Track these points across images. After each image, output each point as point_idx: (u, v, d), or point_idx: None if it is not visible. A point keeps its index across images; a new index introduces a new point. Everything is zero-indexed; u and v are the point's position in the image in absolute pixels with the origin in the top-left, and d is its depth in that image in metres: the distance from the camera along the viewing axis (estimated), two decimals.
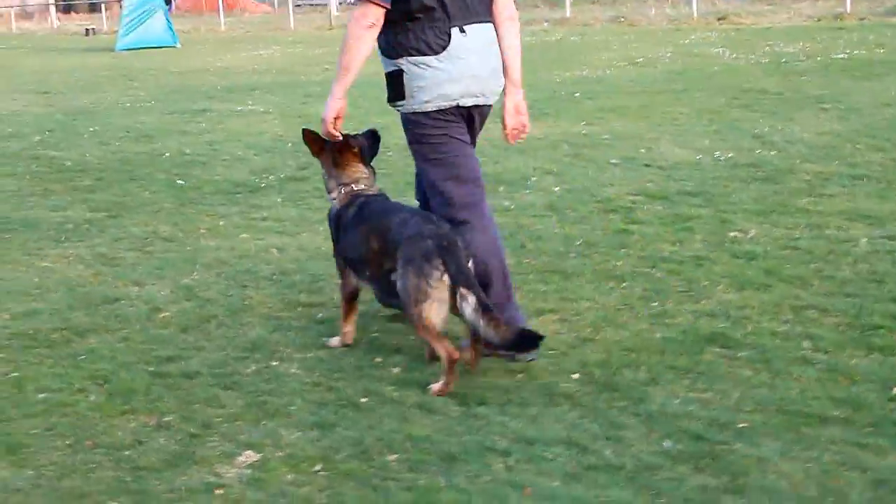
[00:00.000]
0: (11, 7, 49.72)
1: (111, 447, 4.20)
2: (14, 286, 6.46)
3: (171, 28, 27.80)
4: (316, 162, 5.22)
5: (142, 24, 27.40)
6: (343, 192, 4.93)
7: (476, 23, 4.57)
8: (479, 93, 4.62)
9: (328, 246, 5.38)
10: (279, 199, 8.30)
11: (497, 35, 4.69)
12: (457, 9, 4.52)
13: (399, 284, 4.45)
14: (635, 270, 6.01)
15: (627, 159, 9.00)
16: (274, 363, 4.98)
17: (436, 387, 4.45)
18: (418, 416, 4.34)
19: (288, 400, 4.54)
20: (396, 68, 4.59)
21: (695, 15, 23.86)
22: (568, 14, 26.19)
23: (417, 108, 4.61)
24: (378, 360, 4.95)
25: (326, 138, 4.84)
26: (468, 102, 4.63)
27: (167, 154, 10.70)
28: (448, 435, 4.12)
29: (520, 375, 4.67)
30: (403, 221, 4.56)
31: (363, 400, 4.52)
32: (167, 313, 5.79)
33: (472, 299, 4.29)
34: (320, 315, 5.57)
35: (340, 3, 35.10)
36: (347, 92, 4.66)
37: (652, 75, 14.52)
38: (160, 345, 5.31)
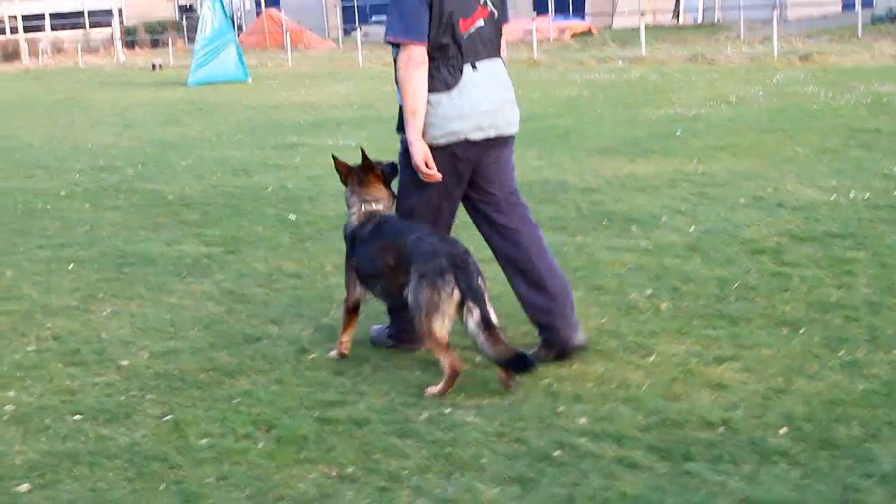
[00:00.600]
0: (78, 42, 50.20)
1: (296, 500, 3.88)
2: (147, 323, 6.27)
3: (242, 63, 27.77)
4: None
5: (214, 58, 27.33)
6: (363, 209, 5.19)
7: (486, 59, 4.85)
8: (488, 126, 4.85)
9: None
10: None
11: None
12: (470, 47, 4.78)
13: (411, 297, 4.69)
14: (808, 316, 5.65)
15: (756, 199, 8.66)
16: (446, 410, 4.69)
17: (433, 389, 4.79)
18: (622, 472, 4.05)
19: (475, 451, 4.23)
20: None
21: (775, 54, 23.46)
22: (643, 53, 25.85)
23: (428, 141, 4.83)
24: (560, 409, 4.67)
25: (424, 180, 4.96)
26: (478, 136, 4.85)
27: (269, 188, 10.48)
28: (664, 494, 3.82)
29: (721, 429, 4.33)
30: (419, 240, 4.75)
31: (557, 453, 4.23)
32: (315, 354, 5.49)
33: (476, 314, 4.58)
34: (478, 359, 5.20)
35: None
36: (421, 132, 4.85)
37: (750, 114, 14.17)
38: (318, 388, 5.04)
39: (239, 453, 4.36)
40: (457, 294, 4.59)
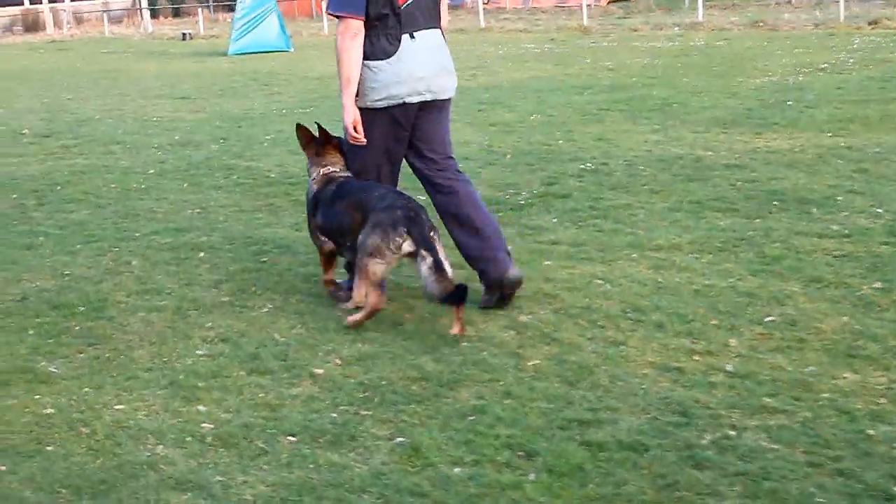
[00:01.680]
0: (100, 11, 49.34)
1: None
2: (319, 322, 5.73)
3: (284, 32, 27.07)
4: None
5: (256, 27, 26.57)
6: (321, 173, 5.76)
7: (425, 29, 5.31)
8: (423, 90, 5.35)
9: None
10: (554, 219, 7.36)
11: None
12: (409, 18, 5.23)
13: (360, 238, 5.21)
14: None
15: None
16: (729, 431, 4.04)
17: (351, 318, 5.42)
18: None
19: (799, 487, 3.60)
20: None
21: (841, 18, 22.61)
22: (700, 18, 25.00)
23: (369, 104, 5.38)
24: (870, 431, 4.00)
25: (350, 142, 5.57)
26: (414, 100, 5.38)
27: None
28: None
29: None
30: (381, 196, 5.30)
31: None
32: (536, 361, 4.84)
33: (429, 259, 5.11)
34: (729, 366, 4.64)
35: (456, 9, 34.12)
36: (354, 98, 5.35)
37: (854, 83, 13.41)
38: (558, 403, 4.47)
39: (511, 488, 3.77)
40: (407, 245, 5.13)
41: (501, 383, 4.69)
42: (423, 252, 5.11)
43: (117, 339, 5.54)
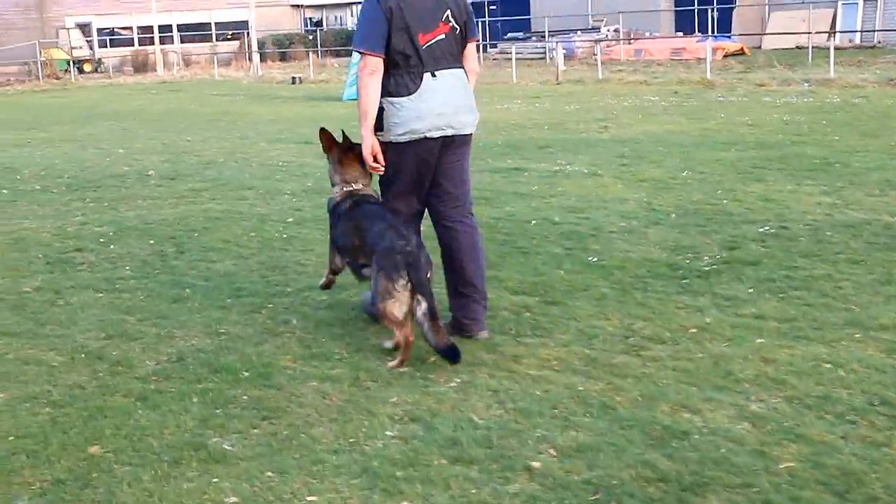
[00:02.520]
0: (208, 54, 49.73)
1: None
2: (518, 403, 5.17)
3: None
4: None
5: None
6: (343, 189, 6.05)
7: (446, 68, 5.59)
8: (444, 126, 5.62)
9: None
10: (749, 290, 6.68)
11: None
12: (430, 57, 5.53)
13: (372, 284, 5.54)
14: None
15: None
16: None
17: (393, 363, 5.56)
18: None
19: None
20: (379, 106, 5.57)
21: None
22: (832, 75, 24.05)
23: (393, 139, 5.65)
24: None
25: (370, 170, 5.94)
26: (435, 135, 5.64)
27: (532, 222, 9.13)
28: None
29: None
30: (381, 233, 5.57)
31: None
32: (788, 463, 4.18)
33: (424, 306, 5.37)
34: None
35: (566, 59, 33.57)
36: (371, 130, 5.61)
37: None
38: None
39: None
40: (409, 287, 5.39)
41: (756, 490, 4.01)
42: (419, 297, 5.37)
43: (293, 413, 4.93)
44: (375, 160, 5.69)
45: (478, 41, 5.90)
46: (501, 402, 5.00)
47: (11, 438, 4.80)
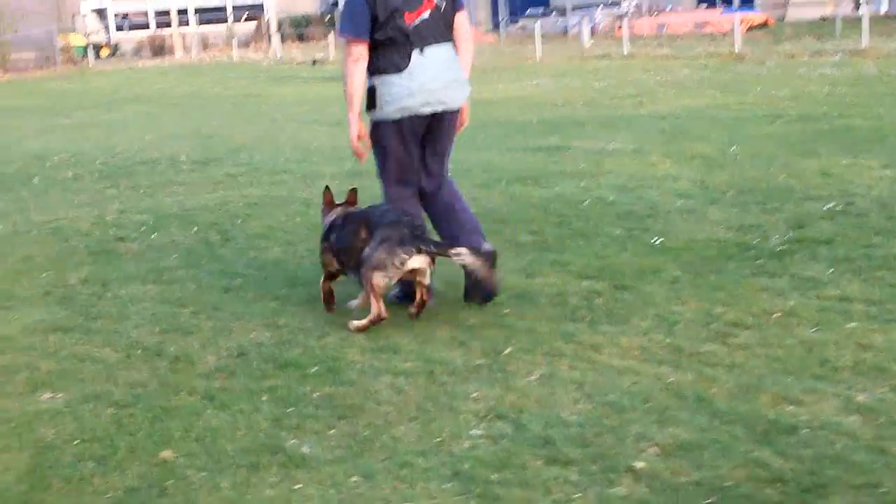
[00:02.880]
0: (226, 36, 49.43)
1: None
2: (606, 396, 4.89)
3: None
4: None
5: None
6: (338, 210, 6.21)
7: (434, 44, 5.68)
8: (434, 101, 5.73)
9: None
10: (829, 270, 6.34)
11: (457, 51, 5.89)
12: (417, 35, 5.64)
13: (366, 252, 5.51)
14: None
15: None
16: None
17: (357, 323, 5.78)
18: None
19: None
20: (371, 84, 5.75)
21: None
22: (864, 44, 23.58)
23: (385, 116, 5.81)
24: None
25: (353, 153, 6.13)
26: (427, 111, 5.78)
27: (586, 201, 8.81)
28: None
29: None
30: (384, 213, 5.72)
31: None
32: None
33: (463, 251, 5.56)
34: None
35: (594, 35, 33.14)
36: (358, 115, 5.79)
37: None
38: None
39: None
40: (415, 261, 5.52)
41: (884, 490, 3.70)
42: (451, 251, 5.60)
43: (370, 412, 4.68)
44: (360, 145, 5.90)
45: (464, 10, 5.96)
46: (589, 396, 4.73)
47: (77, 443, 4.55)
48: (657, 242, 7.36)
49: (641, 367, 5.08)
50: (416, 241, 5.52)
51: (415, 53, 5.71)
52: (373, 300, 5.64)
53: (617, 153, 11.60)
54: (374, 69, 5.73)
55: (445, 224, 6.20)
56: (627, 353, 5.27)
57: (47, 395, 5.17)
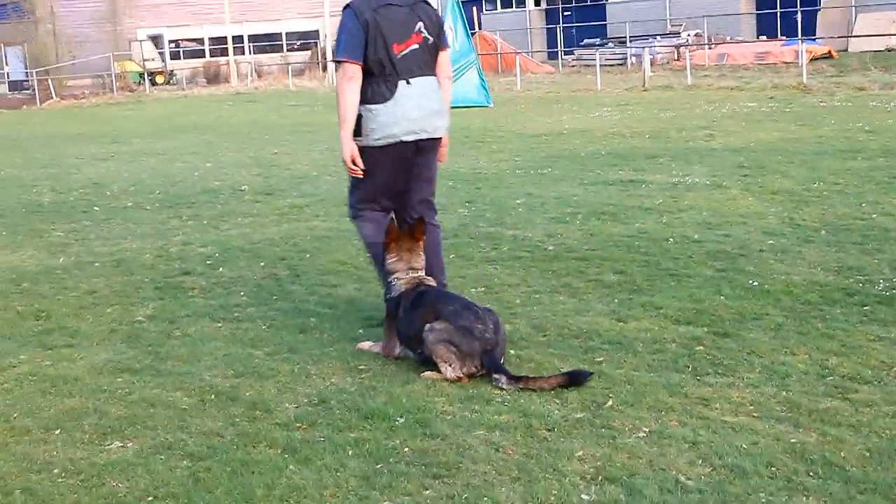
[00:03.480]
0: (280, 64, 49.51)
1: None
2: (727, 459, 4.42)
3: (485, 87, 26.04)
4: None
5: (456, 81, 25.48)
6: (410, 275, 5.95)
7: (420, 76, 6.04)
8: (417, 130, 6.06)
9: None
10: None
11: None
12: (404, 66, 5.98)
13: (433, 342, 5.51)
14: None
15: None
16: None
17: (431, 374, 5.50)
18: None
19: None
20: (358, 113, 5.96)
21: None
22: None
23: (370, 143, 6.05)
24: None
25: (349, 173, 6.20)
26: (410, 138, 6.07)
27: (670, 239, 8.42)
28: None
29: None
30: (456, 312, 5.53)
31: None
32: None
33: (503, 379, 5.30)
34: None
35: (652, 65, 32.73)
36: (350, 134, 5.98)
37: None
38: None
39: None
40: (473, 370, 5.42)
41: None
42: (496, 375, 5.34)
43: (466, 471, 4.30)
44: (354, 165, 6.04)
45: (448, 50, 6.30)
46: (705, 457, 4.32)
47: (151, 499, 4.19)
48: (753, 284, 6.96)
49: (757, 424, 4.66)
50: (484, 356, 5.44)
51: (401, 83, 5.95)
52: (389, 341, 5.92)
53: (695, 188, 11.19)
54: (361, 99, 5.93)
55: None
56: (740, 408, 4.85)
57: (117, 444, 4.83)
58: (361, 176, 6.12)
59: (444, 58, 6.22)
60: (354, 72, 5.91)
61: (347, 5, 6.02)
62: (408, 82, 6.00)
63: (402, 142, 6.06)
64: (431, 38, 6.11)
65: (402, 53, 5.98)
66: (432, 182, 6.46)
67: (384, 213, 6.33)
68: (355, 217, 6.46)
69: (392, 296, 5.90)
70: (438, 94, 6.17)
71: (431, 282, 5.98)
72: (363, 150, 6.05)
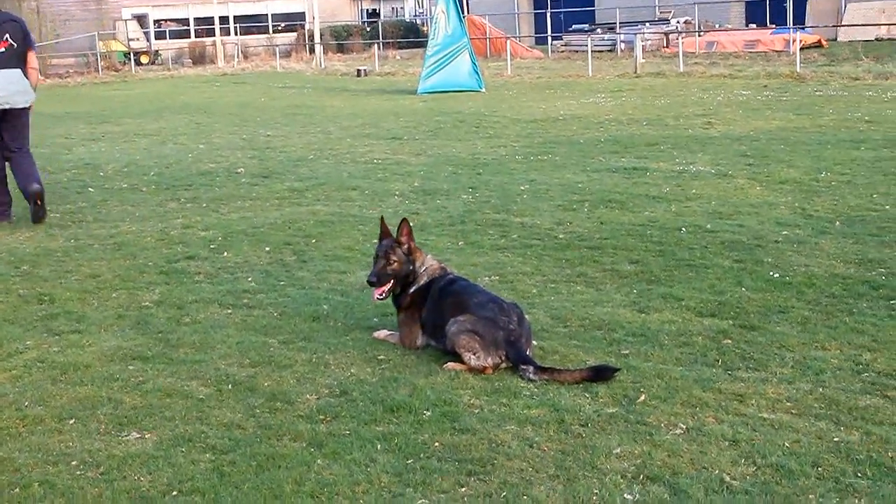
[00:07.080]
0: (266, 46, 49.14)
1: None
2: (768, 458, 4.23)
3: (476, 72, 25.87)
4: None
5: (447, 65, 25.39)
6: (434, 264, 6.01)
7: (5, 69, 9.76)
8: (3, 102, 9.73)
9: None
10: None
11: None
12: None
13: (456, 331, 5.46)
14: None
15: None
16: None
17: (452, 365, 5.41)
18: None
19: None
20: None
21: None
22: None
23: None
24: None
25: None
26: (4, 106, 9.75)
27: (682, 229, 8.29)
28: None
29: None
30: (482, 304, 5.52)
31: None
32: None
33: (531, 369, 5.23)
34: None
35: (645, 51, 32.57)
36: None
37: None
38: None
39: None
40: (500, 360, 5.35)
41: None
42: (522, 366, 5.26)
43: (501, 467, 4.15)
44: None
45: (34, 51, 10.09)
46: (748, 456, 4.20)
47: (175, 493, 4.03)
48: (774, 276, 6.82)
49: (797, 422, 4.54)
50: (508, 346, 5.40)
51: None
52: (409, 334, 5.91)
53: (700, 176, 11.09)
54: None
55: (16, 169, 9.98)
56: (776, 404, 4.73)
57: (135, 435, 4.67)
58: None
59: (30, 56, 10.02)
60: None
61: None
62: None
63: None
64: (16, 44, 9.88)
65: None
66: (20, 138, 10.05)
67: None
68: None
69: (416, 288, 5.86)
70: (20, 79, 9.93)
71: (452, 272, 6.03)
72: None
